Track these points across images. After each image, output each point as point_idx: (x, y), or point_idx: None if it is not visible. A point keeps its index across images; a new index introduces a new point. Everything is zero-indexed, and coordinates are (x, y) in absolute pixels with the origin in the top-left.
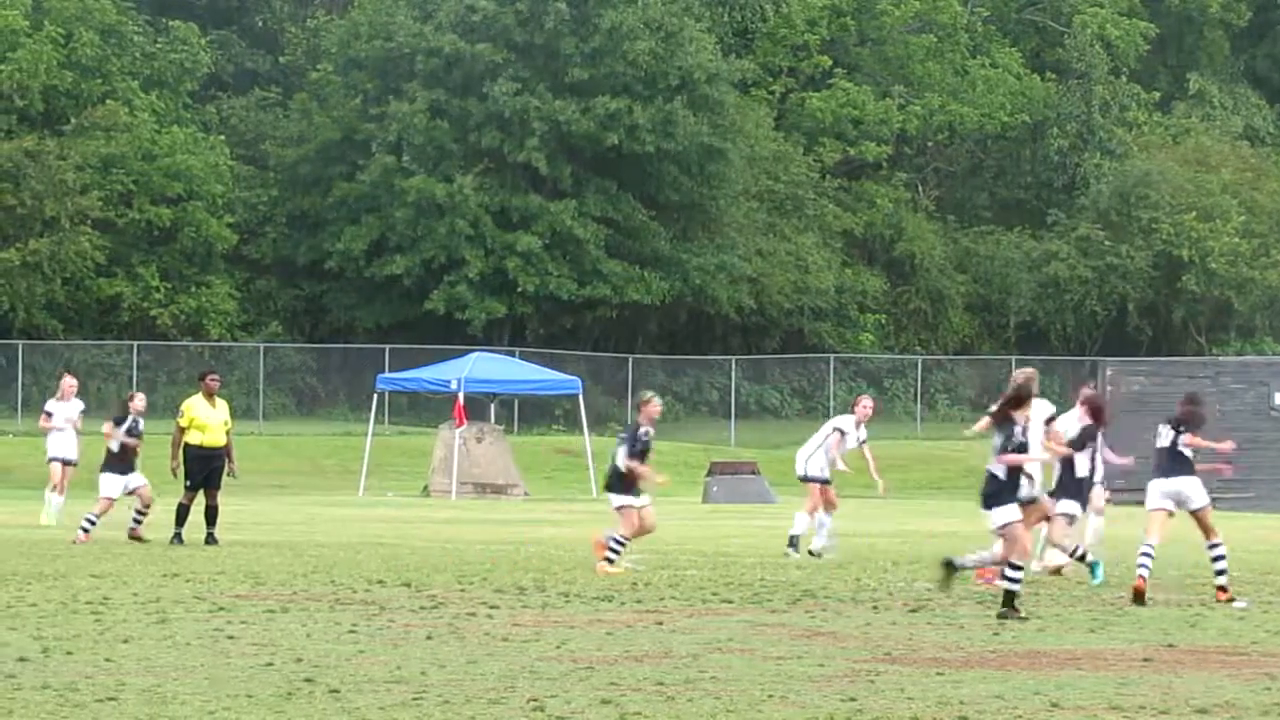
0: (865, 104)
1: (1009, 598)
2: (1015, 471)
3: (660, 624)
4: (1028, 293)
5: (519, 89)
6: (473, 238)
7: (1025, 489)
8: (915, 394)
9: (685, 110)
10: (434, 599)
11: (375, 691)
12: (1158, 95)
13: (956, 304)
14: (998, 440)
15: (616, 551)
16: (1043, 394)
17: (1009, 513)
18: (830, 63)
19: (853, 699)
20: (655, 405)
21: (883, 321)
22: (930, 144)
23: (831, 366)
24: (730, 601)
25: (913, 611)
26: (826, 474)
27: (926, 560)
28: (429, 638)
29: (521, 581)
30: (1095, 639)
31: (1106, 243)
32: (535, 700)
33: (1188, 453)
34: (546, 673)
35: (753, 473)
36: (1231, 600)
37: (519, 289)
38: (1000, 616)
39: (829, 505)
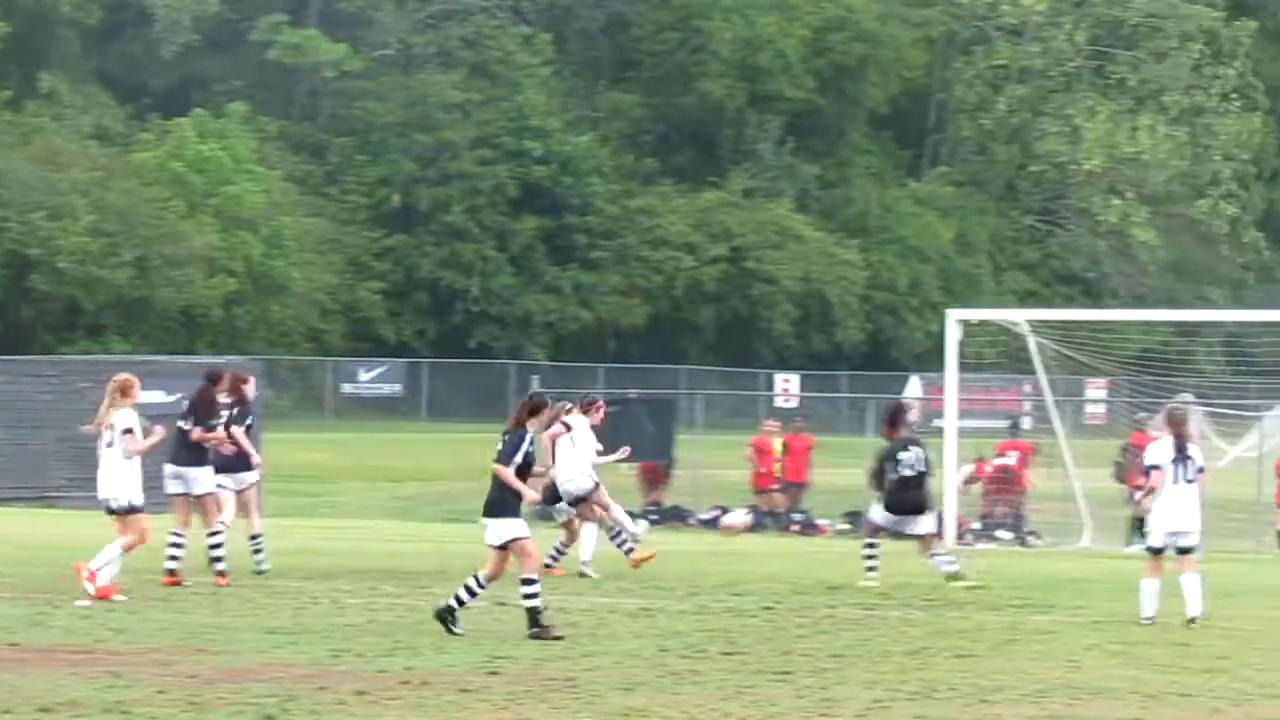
0: None
1: (534, 616)
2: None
3: None
4: None
5: None
6: None
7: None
8: None
9: None
10: None
11: None
12: (9, 94)
13: None
14: (502, 448)
15: None
16: None
17: (517, 527)
18: None
19: None
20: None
21: None
22: None
23: None
24: None
25: None
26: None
27: None
28: None
29: None
30: None
31: None
32: None
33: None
34: None
35: None
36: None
37: None
38: (533, 638)
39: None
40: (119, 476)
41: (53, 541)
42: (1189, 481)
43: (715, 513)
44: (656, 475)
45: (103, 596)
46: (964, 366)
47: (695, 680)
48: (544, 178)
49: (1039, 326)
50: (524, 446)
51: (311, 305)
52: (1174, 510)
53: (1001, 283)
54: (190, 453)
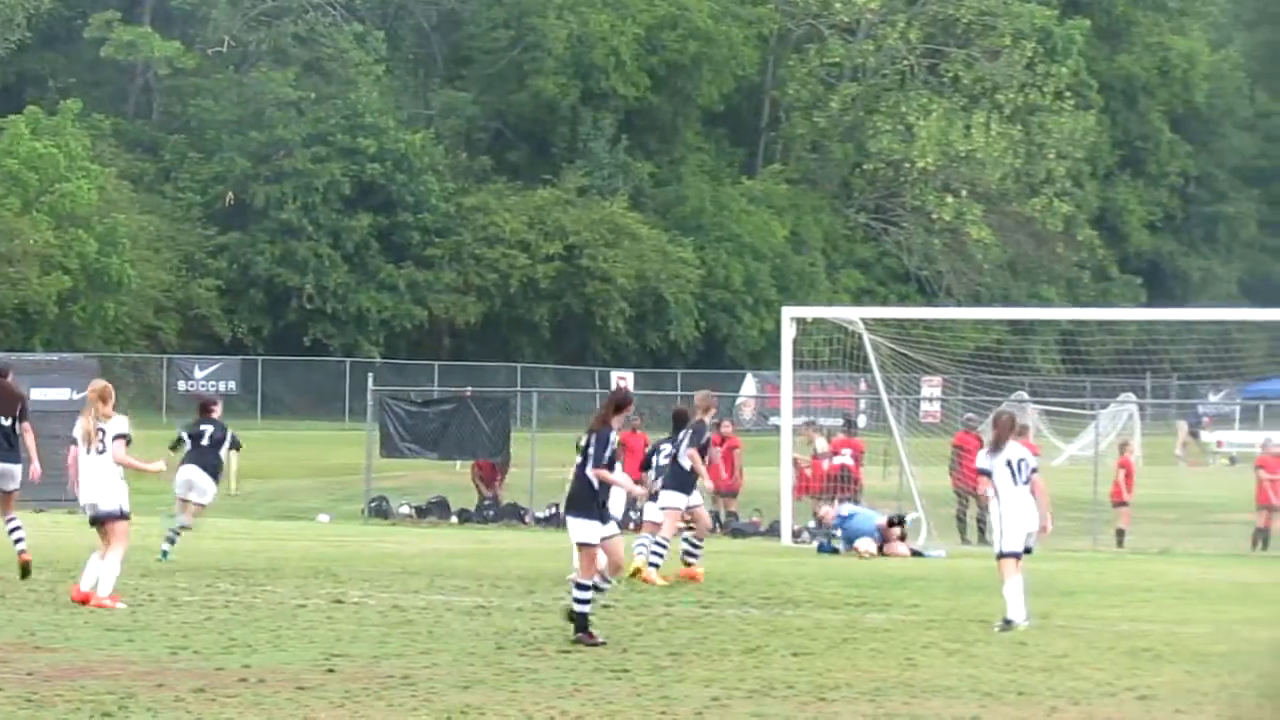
0: None
1: (581, 620)
2: (605, 484)
3: None
4: None
5: None
6: None
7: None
8: None
9: None
10: None
11: None
12: None
13: None
14: (593, 449)
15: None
16: None
17: (588, 530)
18: None
19: None
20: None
21: None
22: None
23: None
24: None
25: None
26: None
27: None
28: None
29: None
30: None
31: None
32: None
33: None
34: None
35: None
36: None
37: None
38: (576, 642)
39: None
40: (110, 483)
41: None
42: (1025, 484)
43: (550, 510)
44: (491, 472)
45: (96, 604)
46: (799, 364)
47: (533, 678)
48: (378, 175)
49: (874, 325)
50: (611, 445)
51: (146, 303)
52: (1021, 513)
53: (836, 280)
54: (7, 448)
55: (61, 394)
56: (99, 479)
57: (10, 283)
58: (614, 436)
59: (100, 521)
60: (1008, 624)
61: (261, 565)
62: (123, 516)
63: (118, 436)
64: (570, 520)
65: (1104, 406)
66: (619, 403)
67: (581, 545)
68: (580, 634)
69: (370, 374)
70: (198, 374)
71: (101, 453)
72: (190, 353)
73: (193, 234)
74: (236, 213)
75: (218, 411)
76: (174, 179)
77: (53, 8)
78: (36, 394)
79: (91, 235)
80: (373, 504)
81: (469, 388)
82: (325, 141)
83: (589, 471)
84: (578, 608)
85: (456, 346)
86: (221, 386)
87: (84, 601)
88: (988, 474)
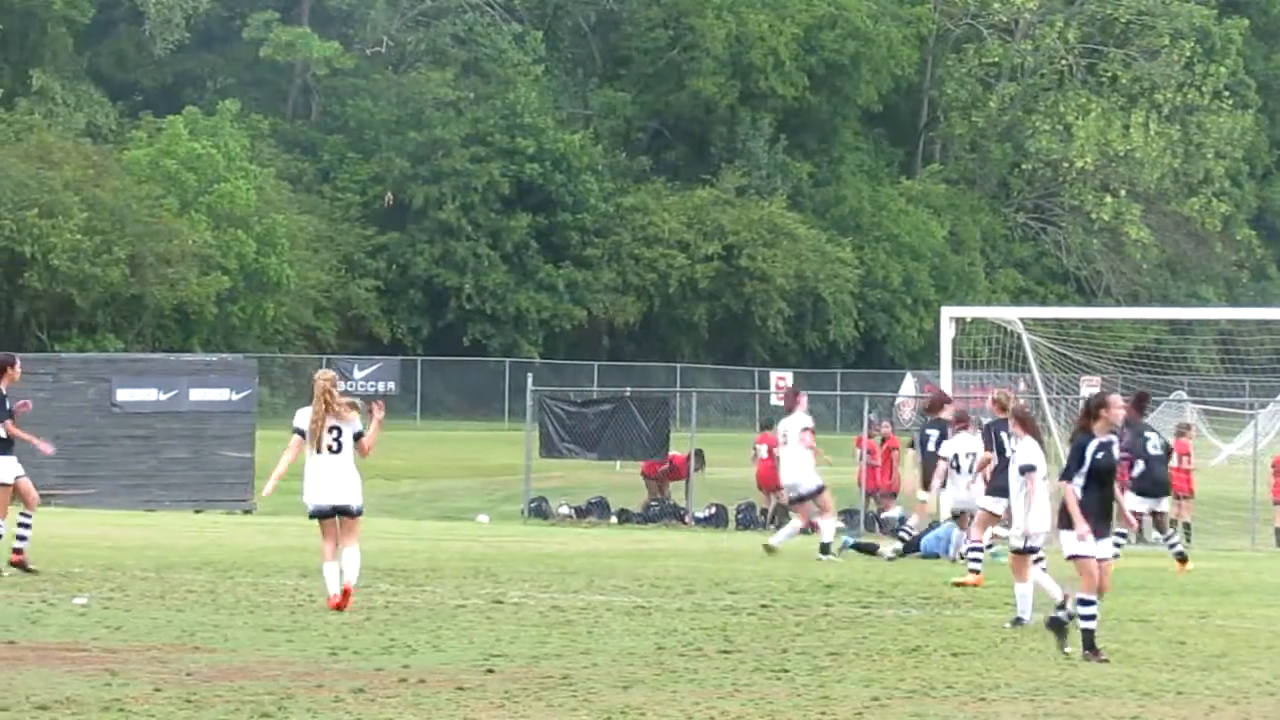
0: None
1: (1087, 638)
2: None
3: None
4: None
5: None
6: None
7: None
8: None
9: None
10: None
11: None
12: (1, 92)
13: None
14: (1069, 459)
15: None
16: None
17: (1072, 543)
18: None
19: None
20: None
21: None
22: None
23: None
24: None
25: None
26: None
27: None
28: None
29: None
30: None
31: None
32: None
33: None
34: None
35: None
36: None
37: None
38: (1086, 658)
39: None
40: (354, 480)
41: (47, 539)
42: (1044, 479)
43: (711, 510)
44: (677, 474)
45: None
46: (959, 364)
47: (692, 678)
48: (537, 175)
49: (1033, 324)
50: (1087, 456)
51: (305, 303)
52: (1046, 512)
53: (995, 280)
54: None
55: (221, 394)
56: (338, 476)
57: (169, 283)
58: (1093, 444)
59: (326, 516)
60: (1019, 622)
61: (420, 565)
62: (360, 513)
63: (360, 435)
64: (1061, 534)
65: (1263, 406)
66: (1093, 407)
67: (1074, 559)
68: (1087, 651)
69: (529, 374)
70: (357, 374)
71: (335, 451)
72: (349, 353)
73: (351, 234)
74: (395, 213)
75: None
76: (332, 179)
77: (211, 8)
78: (195, 394)
79: (250, 235)
80: (532, 504)
81: (628, 388)
82: (484, 142)
83: (1060, 482)
84: (1084, 624)
85: (615, 346)
86: (380, 387)
87: (340, 606)
88: (1032, 470)
